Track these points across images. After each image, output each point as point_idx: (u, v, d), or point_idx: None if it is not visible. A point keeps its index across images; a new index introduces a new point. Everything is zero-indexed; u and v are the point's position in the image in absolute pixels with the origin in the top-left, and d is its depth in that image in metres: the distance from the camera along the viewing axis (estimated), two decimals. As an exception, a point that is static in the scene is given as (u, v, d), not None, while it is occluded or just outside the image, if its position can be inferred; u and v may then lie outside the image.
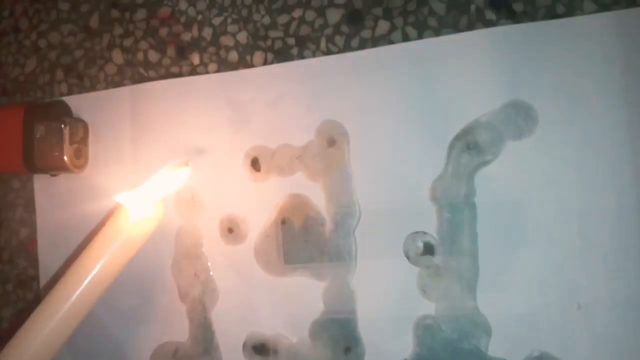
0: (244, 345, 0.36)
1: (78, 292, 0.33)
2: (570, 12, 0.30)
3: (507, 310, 0.31)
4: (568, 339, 0.30)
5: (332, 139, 0.34)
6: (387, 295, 0.33)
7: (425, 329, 0.32)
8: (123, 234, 0.34)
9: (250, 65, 0.37)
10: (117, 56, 0.40)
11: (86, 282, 0.33)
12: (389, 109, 0.33)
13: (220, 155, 0.37)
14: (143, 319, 0.38)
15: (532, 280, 0.31)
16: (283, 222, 0.35)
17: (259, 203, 0.36)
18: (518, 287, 0.31)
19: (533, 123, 0.30)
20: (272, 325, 0.35)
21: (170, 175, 0.35)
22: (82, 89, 0.41)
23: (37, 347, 0.32)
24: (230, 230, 0.36)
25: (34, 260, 0.42)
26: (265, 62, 0.36)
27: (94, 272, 0.33)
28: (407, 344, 0.33)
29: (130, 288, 0.39)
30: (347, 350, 0.34)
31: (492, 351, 0.31)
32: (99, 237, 0.34)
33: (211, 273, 0.37)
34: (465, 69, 0.31)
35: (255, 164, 0.36)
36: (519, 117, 0.30)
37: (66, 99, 0.41)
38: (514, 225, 0.31)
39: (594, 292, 0.30)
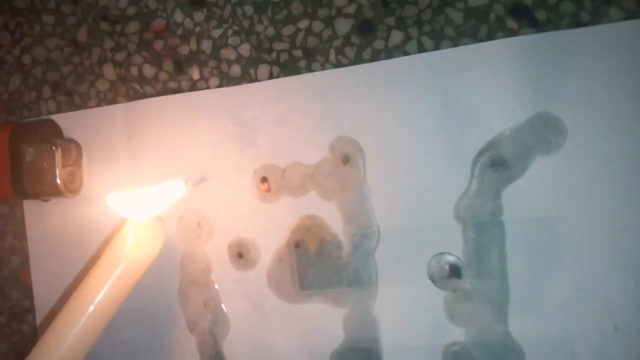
0: (260, 377, 0.34)
1: (79, 326, 0.31)
2: (596, 20, 0.29)
3: (541, 334, 0.29)
4: (606, 363, 0.29)
5: (346, 156, 0.32)
6: (412, 321, 0.31)
7: (454, 356, 0.30)
8: (124, 259, 0.31)
9: (255, 79, 0.35)
10: (109, 71, 0.38)
11: (87, 315, 0.31)
12: (407, 123, 0.31)
13: (226, 175, 0.35)
14: (149, 352, 0.36)
15: (566, 302, 0.29)
16: (297, 245, 0.33)
17: (270, 225, 0.34)
18: (551, 309, 0.29)
19: (562, 136, 0.29)
20: (288, 355, 0.34)
21: (167, 189, 0.33)
22: (72, 107, 0.39)
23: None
24: (240, 255, 0.34)
25: (28, 291, 0.39)
26: (271, 76, 0.34)
27: (94, 303, 0.31)
28: (436, 372, 0.31)
29: (133, 320, 0.36)
30: (371, 379, 0.32)
31: (526, 378, 0.30)
32: (98, 265, 0.32)
33: (222, 303, 0.35)
34: (487, 81, 0.30)
35: (264, 184, 0.34)
36: (547, 130, 0.29)
37: (55, 117, 0.38)
38: (545, 245, 0.29)
39: (632, 312, 0.28)
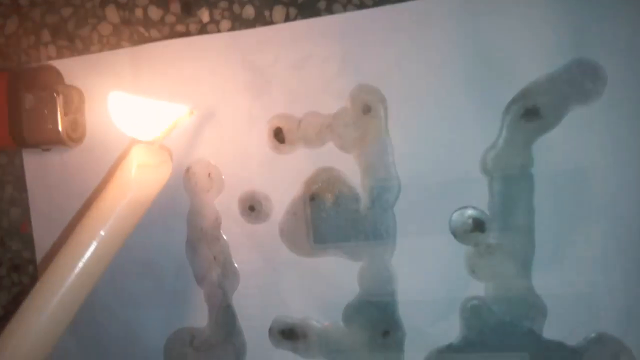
0: (270, 331, 0.31)
1: (83, 260, 0.26)
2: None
3: (565, 289, 0.27)
4: (631, 320, 0.26)
5: (367, 105, 0.29)
6: (430, 275, 0.29)
7: (473, 311, 0.28)
8: (131, 185, 0.27)
9: (270, 22, 0.30)
10: (112, 14, 0.33)
11: (93, 247, 0.26)
12: (434, 70, 0.28)
13: (239, 125, 0.31)
14: (156, 303, 0.33)
15: (594, 257, 0.27)
16: (312, 198, 0.30)
17: (284, 178, 0.30)
18: (578, 265, 0.27)
19: (601, 84, 0.25)
20: (301, 309, 0.31)
21: (170, 110, 0.29)
22: (74, 52, 0.34)
23: (37, 332, 0.26)
24: (251, 209, 0.31)
25: (28, 242, 0.36)
26: (287, 19, 0.30)
27: (102, 231, 0.27)
28: (454, 327, 0.29)
29: (139, 270, 0.33)
30: (386, 334, 0.29)
31: (547, 334, 0.27)
32: (102, 195, 0.28)
33: (231, 256, 0.31)
34: (523, 23, 0.26)
35: (278, 134, 0.30)
36: (585, 78, 0.26)
37: (56, 63, 0.34)
38: (575, 198, 0.26)
39: (662, 269, 0.26)
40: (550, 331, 0.27)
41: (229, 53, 0.31)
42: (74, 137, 0.33)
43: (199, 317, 0.33)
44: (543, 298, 0.27)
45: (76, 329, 0.34)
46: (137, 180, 0.27)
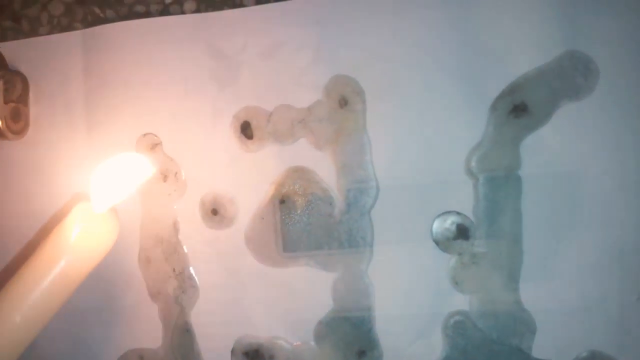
0: (233, 352, 0.34)
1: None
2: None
3: (556, 303, 0.30)
4: (626, 335, 0.30)
5: (344, 98, 0.32)
6: (410, 287, 0.32)
7: (457, 328, 0.31)
8: (65, 255, 0.29)
9: (239, 4, 0.34)
10: (64, -8, 0.37)
11: (13, 326, 0.29)
12: (417, 61, 0.31)
13: (202, 118, 0.34)
14: (102, 321, 0.36)
15: (586, 267, 0.30)
16: (282, 201, 0.33)
17: (251, 178, 0.34)
18: (569, 276, 0.30)
19: (593, 79, 0.29)
20: (267, 326, 0.34)
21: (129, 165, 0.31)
22: (20, 34, 0.38)
23: None
24: (214, 212, 0.34)
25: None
26: (259, 1, 0.34)
27: (21, 312, 0.29)
28: (435, 345, 0.32)
29: (85, 284, 0.36)
30: (361, 354, 0.33)
31: (536, 352, 0.31)
32: (31, 261, 0.29)
33: (190, 267, 0.35)
34: (512, 13, 0.30)
35: (246, 129, 0.34)
36: (576, 72, 0.29)
37: (-2, 46, 0.37)
38: (566, 203, 0.30)
39: (659, 281, 0.29)
40: (540, 349, 0.31)
41: (192, 37, 0.34)
42: (15, 129, 0.36)
43: (152, 337, 0.35)
44: (532, 313, 0.30)
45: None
46: (75, 247, 0.29)
